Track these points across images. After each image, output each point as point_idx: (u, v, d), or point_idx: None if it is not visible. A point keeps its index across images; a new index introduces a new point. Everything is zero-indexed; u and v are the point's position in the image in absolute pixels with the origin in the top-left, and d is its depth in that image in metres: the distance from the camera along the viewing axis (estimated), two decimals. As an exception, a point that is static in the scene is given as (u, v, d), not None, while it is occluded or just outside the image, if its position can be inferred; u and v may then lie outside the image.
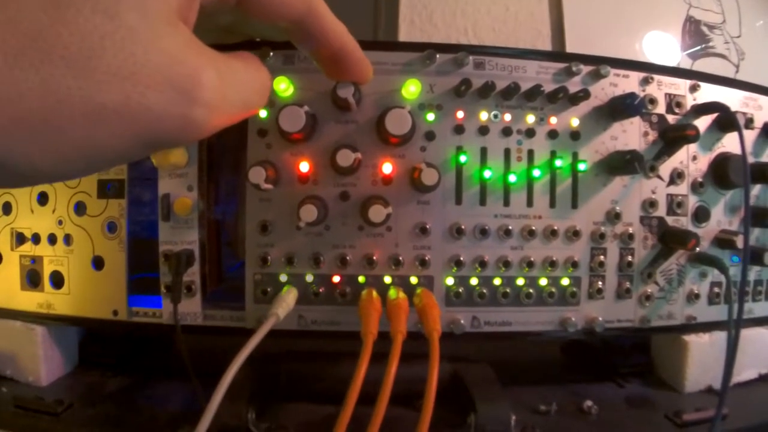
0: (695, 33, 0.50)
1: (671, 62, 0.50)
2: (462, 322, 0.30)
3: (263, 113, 0.30)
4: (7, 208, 0.34)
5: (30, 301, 0.34)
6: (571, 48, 0.46)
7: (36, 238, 0.34)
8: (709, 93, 0.34)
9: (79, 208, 0.33)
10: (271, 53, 0.30)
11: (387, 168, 0.30)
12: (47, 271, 0.33)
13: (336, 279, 0.30)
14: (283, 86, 0.30)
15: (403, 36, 0.45)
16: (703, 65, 0.50)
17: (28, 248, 0.34)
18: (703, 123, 0.34)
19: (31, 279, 0.34)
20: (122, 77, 0.13)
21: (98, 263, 0.32)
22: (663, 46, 0.50)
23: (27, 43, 0.12)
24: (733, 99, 0.35)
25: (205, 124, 0.15)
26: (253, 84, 0.18)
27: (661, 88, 0.33)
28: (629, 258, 0.32)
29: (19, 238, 0.34)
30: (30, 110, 0.12)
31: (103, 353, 0.37)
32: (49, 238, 0.33)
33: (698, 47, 0.50)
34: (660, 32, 0.50)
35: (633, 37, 0.49)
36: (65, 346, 0.36)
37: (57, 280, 0.33)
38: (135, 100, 0.13)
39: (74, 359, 0.37)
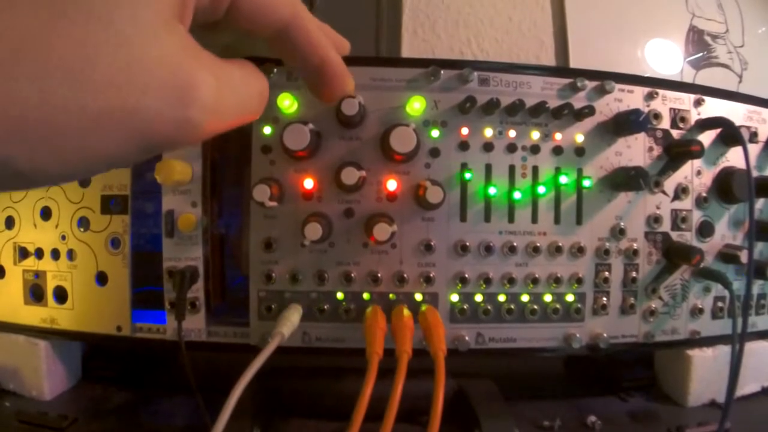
0: (698, 43, 0.50)
1: (674, 72, 0.50)
2: (467, 338, 0.30)
3: (267, 130, 0.30)
4: (10, 223, 0.34)
5: (33, 315, 0.34)
6: (574, 57, 0.46)
7: (39, 253, 0.34)
8: (713, 107, 0.34)
9: (83, 224, 0.33)
10: (275, 69, 0.30)
11: (391, 185, 0.30)
12: (51, 285, 0.33)
13: (340, 296, 0.30)
14: (287, 102, 0.30)
15: (406, 46, 0.45)
16: (706, 75, 0.50)
17: (31, 263, 0.34)
18: (707, 137, 0.34)
19: (35, 293, 0.34)
20: (118, 84, 0.13)
21: (102, 279, 0.32)
22: (666, 55, 0.50)
23: (22, 54, 0.12)
24: (737, 113, 0.35)
25: (201, 126, 0.15)
26: (250, 89, 0.18)
27: (665, 102, 0.33)
28: (633, 274, 0.32)
29: (22, 253, 0.34)
30: (28, 119, 0.12)
31: (107, 367, 0.37)
32: (53, 253, 0.33)
33: (701, 57, 0.50)
34: (663, 42, 0.50)
35: (636, 47, 0.49)
36: (68, 361, 0.36)
37: (60, 295, 0.33)
38: (131, 105, 0.13)
39: (77, 373, 0.37)
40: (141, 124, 0.14)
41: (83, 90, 0.12)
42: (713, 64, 0.50)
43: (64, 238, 0.33)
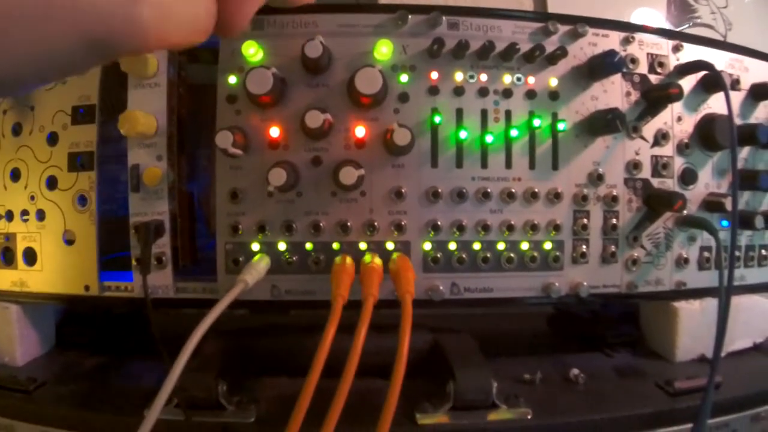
0: (681, 4, 0.49)
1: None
2: (441, 288, 0.29)
3: (233, 79, 0.29)
4: (-20, 187, 0.34)
5: (4, 279, 0.33)
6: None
7: (9, 215, 0.33)
8: (692, 54, 0.33)
9: (51, 183, 0.32)
10: (240, 18, 0.29)
11: (360, 131, 0.29)
12: (20, 247, 0.33)
13: (309, 246, 0.29)
14: (252, 51, 0.29)
15: (383, 10, 0.44)
16: (690, 35, 0.49)
17: (1, 226, 0.33)
18: (687, 84, 0.33)
19: (5, 257, 0.33)
20: None
21: (70, 238, 0.32)
22: (648, 18, 0.49)
23: None
24: (719, 61, 0.34)
25: (150, 27, 0.15)
26: (199, 3, 0.18)
27: (642, 47, 0.32)
28: (614, 221, 0.31)
29: (-7, 217, 0.34)
30: None
31: (81, 333, 0.36)
32: (22, 214, 0.33)
33: (684, 18, 0.49)
34: (645, 6, 0.49)
35: (618, 9, 0.48)
36: (41, 326, 0.35)
37: (30, 257, 0.33)
38: None
39: (51, 340, 0.36)
40: (90, 17, 0.13)
41: None
42: (697, 25, 0.49)
43: (33, 198, 0.33)
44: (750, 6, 0.50)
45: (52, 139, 0.32)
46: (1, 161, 0.33)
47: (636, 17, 0.51)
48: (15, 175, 0.33)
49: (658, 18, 0.51)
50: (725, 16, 0.49)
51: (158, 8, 0.15)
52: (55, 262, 0.32)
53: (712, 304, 0.33)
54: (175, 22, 0.16)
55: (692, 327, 0.33)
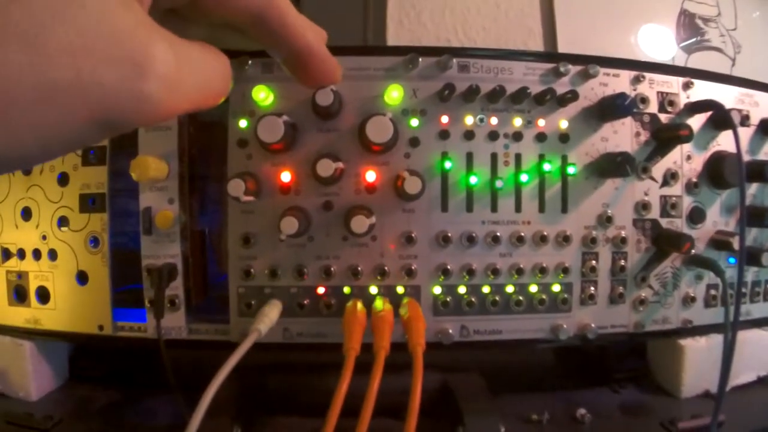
0: (690, 26, 0.49)
1: (666, 57, 0.49)
2: (450, 331, 0.30)
3: (243, 123, 0.29)
4: (-8, 224, 0.34)
5: (17, 316, 0.34)
6: (563, 44, 0.45)
7: (21, 254, 0.33)
8: (703, 90, 0.33)
9: (63, 223, 0.32)
10: (250, 62, 0.29)
11: (370, 176, 0.29)
12: (33, 286, 0.33)
13: (321, 290, 0.30)
14: (263, 95, 0.29)
15: (392, 37, 0.44)
16: (699, 59, 0.49)
17: (14, 263, 0.34)
18: (697, 121, 0.33)
19: (18, 294, 0.34)
20: (73, 53, 0.13)
21: (82, 278, 0.32)
22: (657, 40, 0.49)
23: None
24: (729, 96, 0.34)
25: (160, 101, 0.15)
26: (210, 67, 0.18)
27: (653, 86, 0.32)
28: (622, 262, 0.31)
29: (5, 254, 0.34)
30: None
31: (93, 367, 0.37)
32: (34, 253, 0.33)
33: (693, 41, 0.49)
34: (654, 26, 0.49)
35: (627, 31, 0.48)
36: (54, 361, 0.36)
37: (43, 295, 0.33)
38: (86, 75, 0.13)
39: (64, 374, 0.37)
40: (97, 97, 0.13)
41: (38, 57, 0.12)
42: (705, 48, 0.49)
43: (44, 238, 0.33)
44: (760, 27, 0.49)
45: (63, 179, 0.32)
46: (12, 199, 0.34)
47: (643, 34, 0.51)
48: (26, 214, 0.33)
49: (666, 36, 0.51)
50: (734, 39, 0.49)
51: (166, 81, 0.15)
52: (68, 301, 0.32)
53: (718, 340, 0.33)
54: (185, 92, 0.16)
55: (698, 363, 0.33)
